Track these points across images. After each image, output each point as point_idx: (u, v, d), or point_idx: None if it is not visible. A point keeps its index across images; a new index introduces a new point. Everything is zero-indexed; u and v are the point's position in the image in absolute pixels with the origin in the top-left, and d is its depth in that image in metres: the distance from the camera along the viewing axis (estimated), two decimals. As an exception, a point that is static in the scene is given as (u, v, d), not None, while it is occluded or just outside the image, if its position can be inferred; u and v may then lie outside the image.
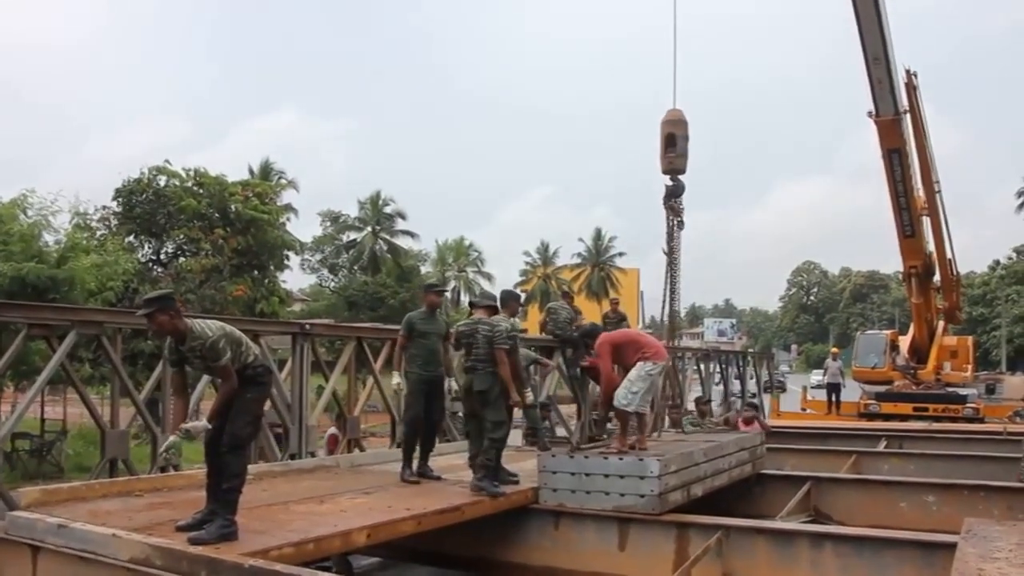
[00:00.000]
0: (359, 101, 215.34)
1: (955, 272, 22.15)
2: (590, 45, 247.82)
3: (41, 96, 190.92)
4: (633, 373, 8.05)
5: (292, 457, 9.84)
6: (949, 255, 21.15)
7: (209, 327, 5.55)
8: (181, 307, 5.67)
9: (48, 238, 18.27)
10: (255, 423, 5.91)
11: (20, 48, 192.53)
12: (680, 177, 10.14)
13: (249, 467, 8.47)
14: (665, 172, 10.12)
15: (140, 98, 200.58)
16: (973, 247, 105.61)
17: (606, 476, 7.29)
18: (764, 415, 22.09)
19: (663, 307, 10.96)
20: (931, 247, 20.60)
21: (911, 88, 18.55)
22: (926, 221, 19.94)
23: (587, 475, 7.38)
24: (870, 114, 17.78)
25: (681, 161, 10.05)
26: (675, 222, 10.01)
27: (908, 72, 18.57)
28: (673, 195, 10.08)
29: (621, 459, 7.31)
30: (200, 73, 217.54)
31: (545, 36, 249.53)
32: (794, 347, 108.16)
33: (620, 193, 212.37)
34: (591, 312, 42.20)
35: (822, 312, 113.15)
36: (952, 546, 6.00)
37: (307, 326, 10.55)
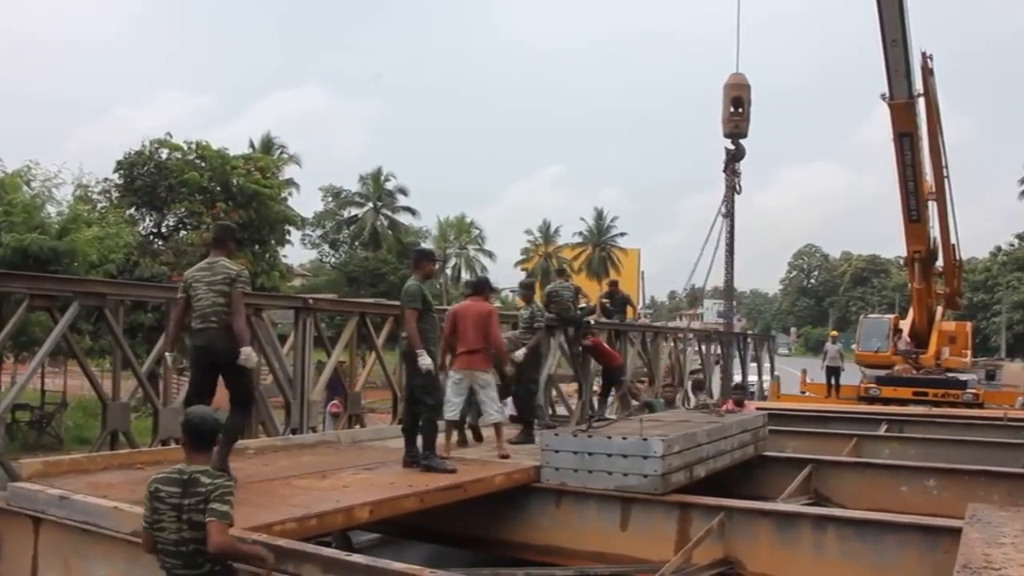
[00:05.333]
0: (380, 83, 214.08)
1: (958, 258, 22.06)
2: (609, 30, 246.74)
3: (67, 72, 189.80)
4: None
5: (294, 432, 9.83)
6: (953, 241, 21.06)
7: None
8: (179, 280, 5.68)
9: (51, 210, 18.25)
10: None
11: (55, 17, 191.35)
12: (741, 141, 9.87)
13: (251, 442, 8.51)
14: (728, 135, 9.86)
15: (162, 75, 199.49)
16: (976, 233, 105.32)
17: (609, 455, 7.24)
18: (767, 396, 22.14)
19: (707, 273, 10.74)
20: (935, 232, 20.50)
21: (926, 71, 18.33)
22: (932, 206, 19.81)
23: (590, 454, 7.34)
24: (884, 97, 17.59)
25: (745, 125, 9.84)
26: (734, 186, 9.77)
27: (924, 55, 18.36)
28: (735, 159, 9.82)
29: (625, 439, 7.27)
30: (224, 50, 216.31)
31: (569, 20, 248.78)
32: (793, 330, 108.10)
33: (631, 175, 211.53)
34: (591, 291, 42.16)
35: (822, 295, 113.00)
36: (955, 531, 5.97)
37: (310, 301, 10.50)
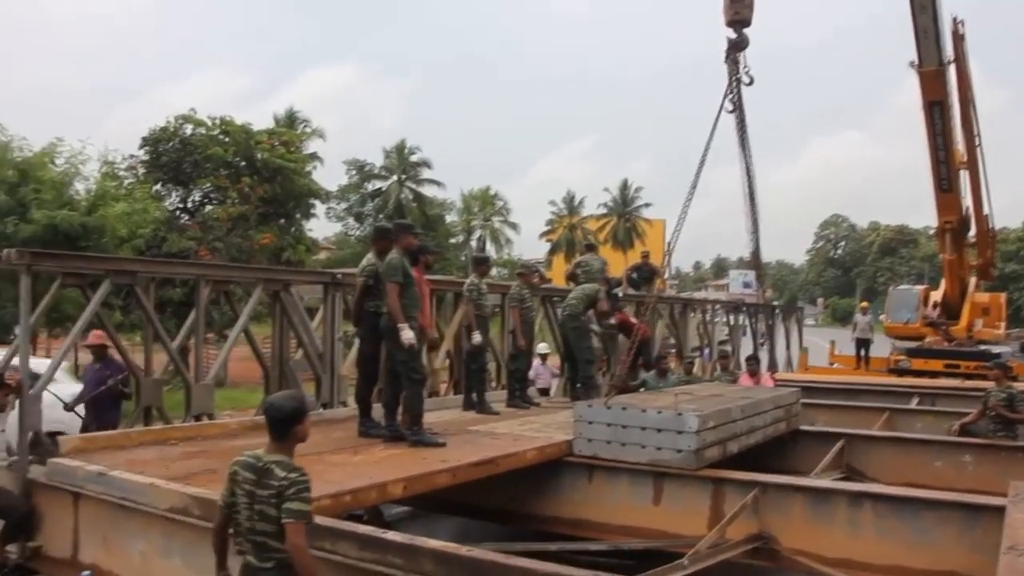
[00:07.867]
0: (418, 59, 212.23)
1: (991, 228, 21.68)
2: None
3: (107, 51, 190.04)
4: None
5: (324, 407, 9.86)
6: (986, 211, 20.68)
7: None
8: (206, 255, 5.70)
9: (78, 186, 18.34)
10: None
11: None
12: (745, 31, 9.49)
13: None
14: (729, 24, 9.47)
15: (200, 52, 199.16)
16: (1010, 203, 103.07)
17: (643, 429, 7.19)
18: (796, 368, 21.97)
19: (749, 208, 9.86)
20: (967, 202, 20.13)
21: (957, 37, 17.94)
22: (964, 175, 19.45)
23: (624, 427, 7.29)
24: (913, 64, 17.23)
25: (748, 11, 9.41)
26: (738, 78, 9.36)
27: (955, 21, 17.96)
28: (737, 48, 9.45)
29: (659, 413, 7.22)
30: (261, 29, 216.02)
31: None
32: (820, 300, 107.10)
33: (662, 147, 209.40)
34: (616, 263, 42.03)
35: (849, 266, 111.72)
36: (997, 509, 5.87)
37: (339, 275, 10.50)
